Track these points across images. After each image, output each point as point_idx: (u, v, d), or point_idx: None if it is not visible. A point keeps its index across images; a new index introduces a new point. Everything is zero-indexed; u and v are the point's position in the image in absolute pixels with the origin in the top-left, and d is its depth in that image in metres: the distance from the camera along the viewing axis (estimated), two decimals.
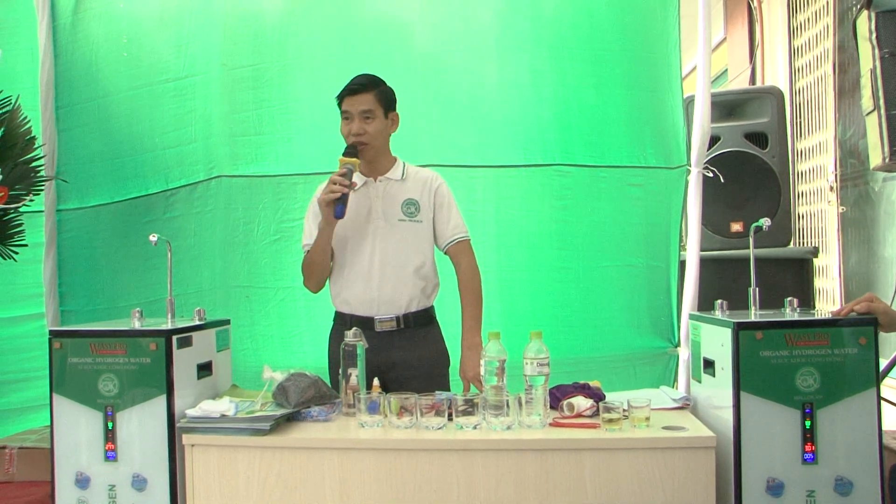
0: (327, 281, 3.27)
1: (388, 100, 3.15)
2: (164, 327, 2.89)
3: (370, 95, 3.07)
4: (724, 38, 8.24)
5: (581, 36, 4.00)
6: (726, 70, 8.37)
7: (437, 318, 3.31)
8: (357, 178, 3.07)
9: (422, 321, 3.16)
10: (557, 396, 2.91)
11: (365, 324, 3.09)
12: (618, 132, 4.00)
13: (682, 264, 3.87)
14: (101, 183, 4.26)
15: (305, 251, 3.18)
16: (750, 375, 2.54)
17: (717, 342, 2.70)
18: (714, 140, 4.23)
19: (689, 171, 3.85)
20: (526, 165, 4.04)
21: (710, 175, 3.83)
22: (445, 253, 3.25)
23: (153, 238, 3.12)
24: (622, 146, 3.98)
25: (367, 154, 3.10)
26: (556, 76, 4.03)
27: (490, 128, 4.05)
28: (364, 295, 3.11)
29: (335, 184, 2.94)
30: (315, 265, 3.14)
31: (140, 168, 4.22)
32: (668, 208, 3.95)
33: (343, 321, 3.15)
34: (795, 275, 4.22)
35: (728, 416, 2.58)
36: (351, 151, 3.05)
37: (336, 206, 2.96)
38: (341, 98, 3.11)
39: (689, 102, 4.01)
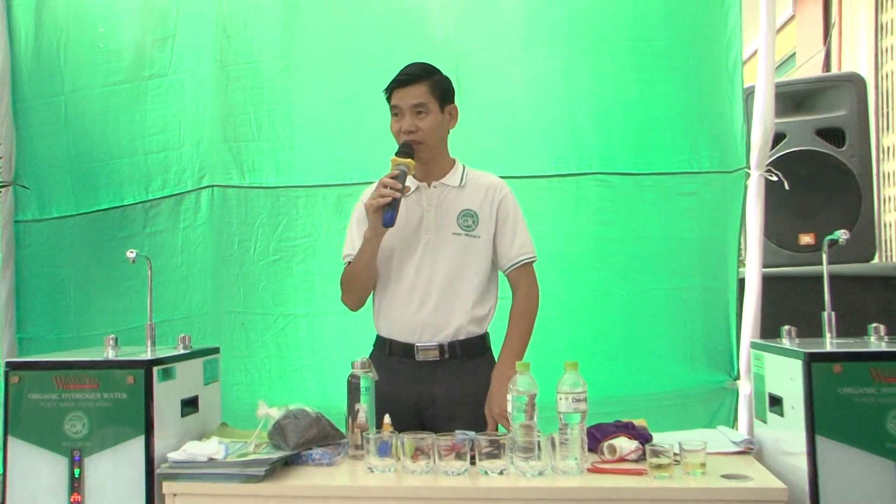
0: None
1: (444, 91, 3.09)
2: (142, 357, 2.81)
3: (422, 87, 3.02)
4: (793, 16, 7.90)
5: (621, 24, 3.96)
6: (794, 54, 8.05)
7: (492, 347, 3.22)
8: (409, 182, 3.02)
9: (472, 351, 3.08)
10: (597, 437, 2.81)
11: (406, 351, 3.04)
12: (665, 133, 3.96)
13: (742, 284, 3.79)
14: (68, 191, 4.24)
15: (347, 262, 3.13)
16: (827, 416, 2.42)
17: (786, 376, 2.60)
18: (779, 138, 4.17)
19: (748, 175, 3.78)
20: (559, 175, 4.02)
21: (774, 179, 3.75)
22: (506, 275, 3.19)
23: (131, 255, 3.08)
24: (670, 149, 3.93)
25: (422, 154, 3.04)
26: (593, 72, 3.99)
27: (517, 133, 4.02)
28: (406, 317, 3.05)
29: (385, 187, 2.87)
30: (357, 279, 3.08)
31: (115, 175, 4.20)
32: (725, 219, 3.88)
33: (383, 347, 3.09)
34: (880, 296, 4.01)
35: (801, 463, 2.47)
36: (405, 151, 2.99)
37: (385, 213, 2.89)
38: (390, 91, 3.06)
39: (748, 94, 3.92)
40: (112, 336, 2.99)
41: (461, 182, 3.12)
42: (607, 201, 4.01)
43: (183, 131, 4.16)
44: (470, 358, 3.05)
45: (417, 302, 3.03)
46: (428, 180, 3.10)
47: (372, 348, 3.17)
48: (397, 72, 3.07)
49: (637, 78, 3.97)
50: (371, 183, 3.12)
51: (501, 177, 3.92)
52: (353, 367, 2.86)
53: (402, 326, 3.05)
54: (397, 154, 2.98)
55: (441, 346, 3.02)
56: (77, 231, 4.20)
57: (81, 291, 4.18)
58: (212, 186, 4.14)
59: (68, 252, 4.21)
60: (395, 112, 3.02)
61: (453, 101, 3.11)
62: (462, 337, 3.04)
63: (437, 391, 3.02)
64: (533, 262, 3.14)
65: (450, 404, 3.01)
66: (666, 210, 3.97)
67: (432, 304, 3.02)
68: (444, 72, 3.95)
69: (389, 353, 2.96)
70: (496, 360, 3.09)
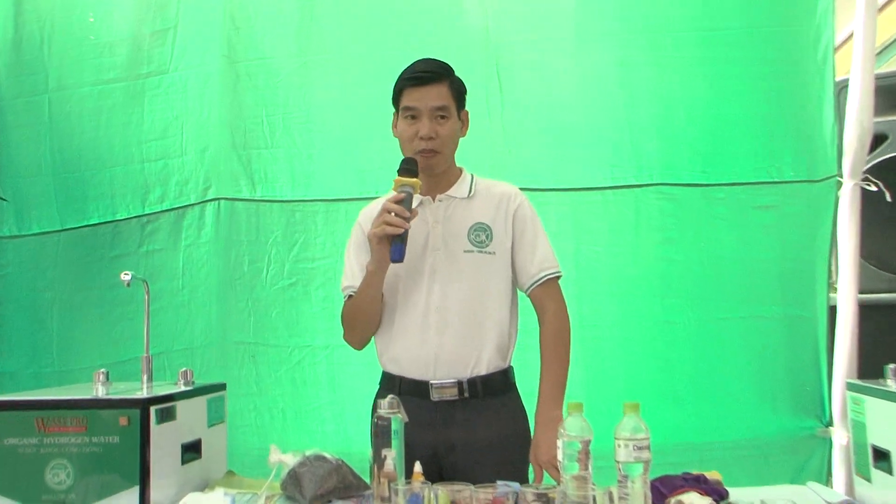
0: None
1: (460, 94, 3.02)
2: (138, 395, 2.75)
3: (444, 87, 2.93)
4: None
5: (688, 11, 3.96)
6: None
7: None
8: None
9: (495, 388, 2.98)
10: (662, 492, 2.71)
11: (419, 390, 2.94)
12: (740, 137, 3.94)
13: (834, 313, 3.73)
14: (52, 203, 4.25)
15: (347, 296, 3.05)
16: None
17: (893, 424, 2.51)
18: (879, 140, 4.08)
19: (840, 185, 3.74)
20: (615, 187, 4.02)
21: (873, 189, 3.69)
22: (528, 295, 3.09)
23: (125, 277, 3.03)
24: (746, 156, 3.91)
25: (437, 166, 2.97)
26: (655, 68, 4.00)
27: (566, 138, 4.02)
28: (418, 352, 2.95)
29: (389, 213, 2.78)
30: (362, 316, 3.00)
31: (106, 185, 4.20)
32: (811, 237, 3.85)
33: (391, 385, 2.97)
34: None
35: None
36: (409, 168, 2.88)
37: (393, 245, 2.80)
38: (401, 89, 2.97)
39: (841, 89, 3.87)
40: (102, 370, 2.94)
41: (470, 192, 3.04)
42: (671, 217, 3.99)
43: (185, 136, 4.16)
44: (493, 396, 2.96)
45: (431, 333, 2.94)
46: (432, 193, 3.01)
47: (378, 387, 3.11)
48: (412, 65, 3.00)
49: (706, 73, 3.97)
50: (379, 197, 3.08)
51: (548, 189, 4.03)
52: (378, 407, 2.75)
53: (415, 362, 2.95)
54: (401, 172, 2.86)
55: (460, 384, 2.93)
56: (62, 249, 4.19)
57: (66, 319, 4.17)
58: (218, 199, 4.15)
59: (51, 273, 4.21)
60: (411, 114, 2.92)
61: (465, 105, 3.04)
62: (484, 372, 2.94)
63: (456, 435, 2.93)
64: (558, 277, 3.05)
65: (472, 450, 2.92)
66: (741, 227, 3.95)
67: (448, 335, 2.93)
68: (483, 67, 4.06)
69: (399, 393, 2.80)
70: (520, 396, 3.05)
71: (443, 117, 2.91)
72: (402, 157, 2.86)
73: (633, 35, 4.00)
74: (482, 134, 3.86)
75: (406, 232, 2.78)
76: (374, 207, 2.98)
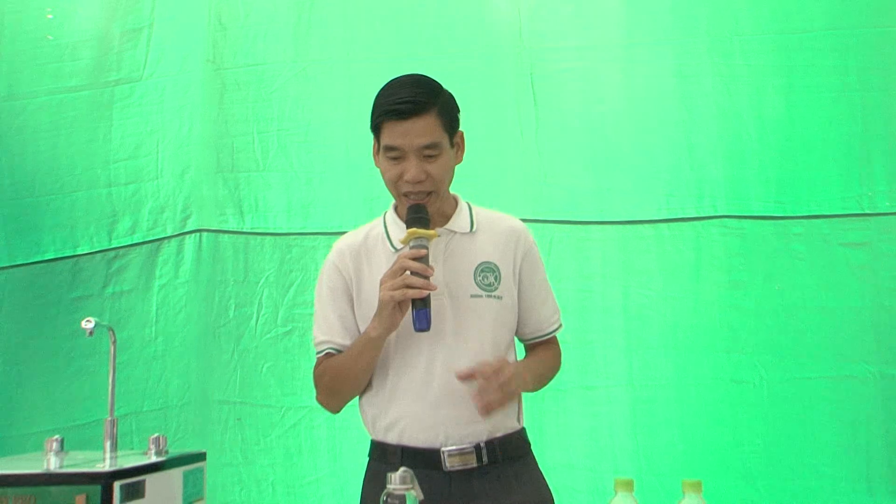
0: None
1: (452, 119, 2.85)
2: (99, 467, 2.59)
3: (432, 118, 2.74)
4: None
5: (760, 13, 3.93)
6: None
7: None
8: (401, 232, 2.79)
9: (514, 452, 2.86)
10: None
11: (428, 459, 2.78)
12: (822, 161, 3.90)
13: None
14: None
15: (322, 353, 2.90)
16: None
17: None
18: None
19: None
20: (671, 220, 3.98)
21: None
22: (526, 347, 3.02)
23: (88, 325, 2.82)
24: (831, 183, 3.84)
25: (431, 206, 2.82)
26: (719, 77, 3.96)
27: (612, 162, 3.98)
28: (424, 415, 2.81)
29: (403, 271, 2.63)
30: (349, 382, 2.87)
31: (65, 214, 4.12)
32: None
33: (384, 456, 2.86)
34: None
35: None
36: (420, 217, 2.73)
37: (417, 312, 2.65)
38: (380, 123, 2.79)
39: None
40: (56, 438, 2.75)
41: (472, 226, 2.91)
42: (739, 256, 3.93)
43: (161, 156, 4.10)
44: (512, 461, 2.86)
45: (438, 392, 2.80)
46: (430, 225, 2.86)
47: (367, 459, 2.99)
48: (390, 87, 2.81)
49: (782, 84, 3.93)
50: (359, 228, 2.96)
51: (591, 222, 3.96)
52: (388, 483, 2.53)
53: (421, 428, 2.81)
54: (411, 222, 2.71)
55: (477, 448, 2.80)
56: (10, 289, 4.10)
57: (13, 373, 4.05)
58: (200, 231, 4.10)
59: None
60: (394, 155, 2.76)
61: (459, 126, 2.88)
62: (500, 434, 2.84)
63: None
64: (560, 330, 3.01)
65: None
66: (825, 267, 3.88)
67: (459, 394, 2.77)
68: (515, 78, 3.98)
69: (397, 465, 2.62)
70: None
71: (430, 156, 2.74)
72: (409, 205, 2.71)
73: (694, 40, 3.96)
74: (513, 157, 3.87)
75: (430, 295, 2.65)
76: (350, 242, 2.86)
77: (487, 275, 2.85)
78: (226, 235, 4.08)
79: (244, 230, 4.08)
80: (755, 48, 3.89)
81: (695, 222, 3.92)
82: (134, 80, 4.10)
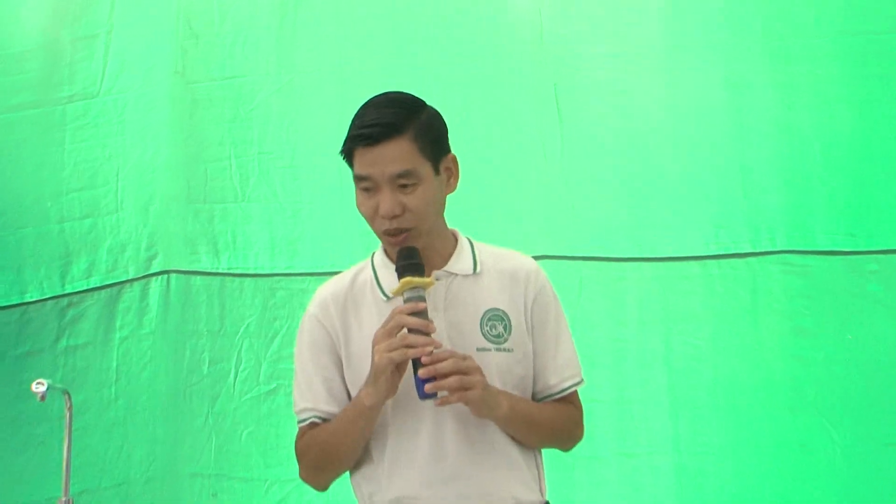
0: None
1: (435, 139, 2.66)
2: None
3: (405, 142, 2.58)
4: None
5: (825, 11, 3.79)
6: None
7: None
8: (393, 275, 2.67)
9: None
10: None
11: None
12: None
13: None
14: None
15: (305, 423, 2.74)
16: None
17: None
18: None
19: None
20: (722, 256, 3.88)
21: None
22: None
23: (39, 388, 2.84)
24: None
25: (417, 242, 2.65)
26: (778, 89, 3.89)
27: (653, 189, 3.94)
28: (432, 492, 2.64)
29: (400, 329, 2.50)
30: (339, 456, 2.72)
31: (10, 254, 4.07)
32: None
33: None
34: None
35: None
36: (412, 262, 2.59)
37: (420, 378, 2.51)
38: (349, 151, 2.62)
39: None
40: None
41: (475, 267, 2.75)
42: (804, 297, 3.84)
43: (122, 185, 4.01)
44: None
45: (447, 463, 2.65)
46: (426, 270, 2.71)
47: None
48: (362, 109, 2.63)
49: (853, 96, 3.87)
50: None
51: (626, 259, 3.86)
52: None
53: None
54: (403, 269, 2.56)
55: None
56: None
57: None
58: (168, 273, 4.02)
59: None
60: (364, 186, 2.61)
61: (449, 148, 2.70)
62: None
63: None
64: (580, 386, 2.84)
65: None
66: None
67: (469, 466, 2.67)
68: (535, 90, 3.84)
69: None
70: None
71: (405, 186, 2.59)
72: (399, 249, 2.58)
73: (746, 44, 3.85)
74: (533, 182, 3.76)
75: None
76: (335, 291, 2.70)
77: (496, 324, 2.68)
78: (198, 277, 3.98)
79: (220, 271, 3.98)
80: (821, 53, 3.77)
81: (750, 259, 3.81)
82: (89, 95, 4.02)
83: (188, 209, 3.95)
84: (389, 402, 2.64)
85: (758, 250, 3.80)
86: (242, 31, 3.96)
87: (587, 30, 3.88)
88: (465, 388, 2.47)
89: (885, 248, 3.76)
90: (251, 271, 3.93)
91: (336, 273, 3.55)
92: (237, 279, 3.92)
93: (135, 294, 3.96)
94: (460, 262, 2.71)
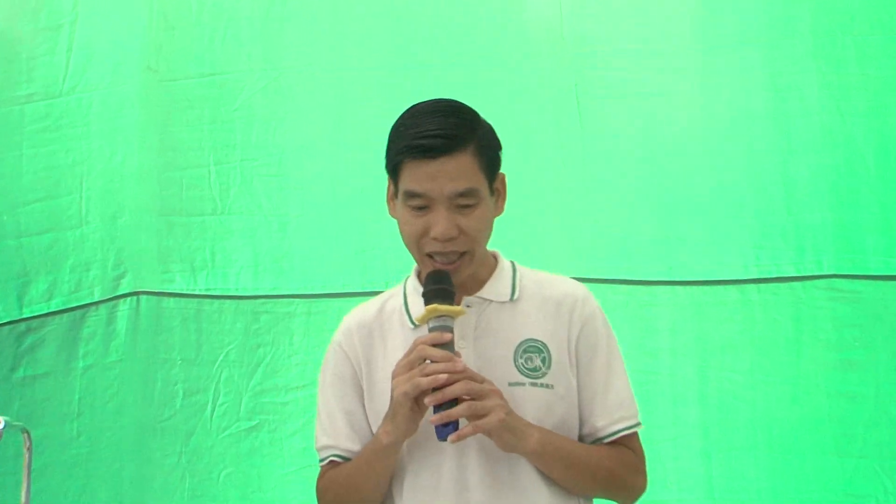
0: None
1: (493, 156, 2.63)
2: None
3: (468, 157, 2.52)
4: None
5: (882, 6, 3.80)
6: None
7: None
8: (416, 298, 2.65)
9: None
10: None
11: None
12: None
13: None
14: None
15: (326, 462, 2.72)
16: None
17: None
18: None
19: None
20: (762, 280, 3.85)
21: None
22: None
23: None
24: None
25: (463, 271, 2.61)
26: (826, 92, 3.88)
27: (684, 205, 3.89)
28: None
29: (422, 361, 2.42)
30: (355, 497, 2.69)
31: None
32: None
33: None
34: None
35: None
36: (443, 288, 2.55)
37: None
38: (399, 163, 2.54)
39: None
40: None
41: (514, 293, 2.69)
42: (853, 327, 3.79)
43: (87, 195, 3.96)
44: None
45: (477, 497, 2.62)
46: (457, 296, 2.65)
47: None
48: (413, 116, 2.58)
49: None
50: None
51: (653, 282, 3.83)
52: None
53: None
54: (431, 294, 2.51)
55: None
56: None
57: None
58: (137, 294, 3.99)
59: None
60: (418, 204, 2.54)
61: (500, 166, 2.68)
62: None
63: None
64: (638, 431, 2.73)
65: None
66: None
67: None
68: (555, 91, 3.80)
69: None
70: None
71: (466, 206, 2.52)
72: (428, 273, 2.53)
73: (791, 42, 3.80)
74: (551, 195, 3.71)
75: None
76: (361, 318, 2.68)
77: (532, 356, 2.62)
78: (171, 299, 3.92)
79: (196, 292, 3.92)
80: (874, 52, 3.73)
81: (794, 283, 3.76)
82: (51, 95, 3.95)
83: (161, 222, 3.88)
84: (408, 445, 2.61)
85: (802, 274, 3.78)
86: (224, 23, 3.90)
87: (611, 27, 3.87)
88: (478, 415, 2.38)
89: None
90: (232, 293, 3.87)
91: (329, 295, 3.71)
92: (216, 301, 3.87)
93: (100, 318, 3.89)
94: (496, 287, 2.67)
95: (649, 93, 3.79)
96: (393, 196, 2.62)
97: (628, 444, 2.67)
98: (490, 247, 2.73)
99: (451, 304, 2.50)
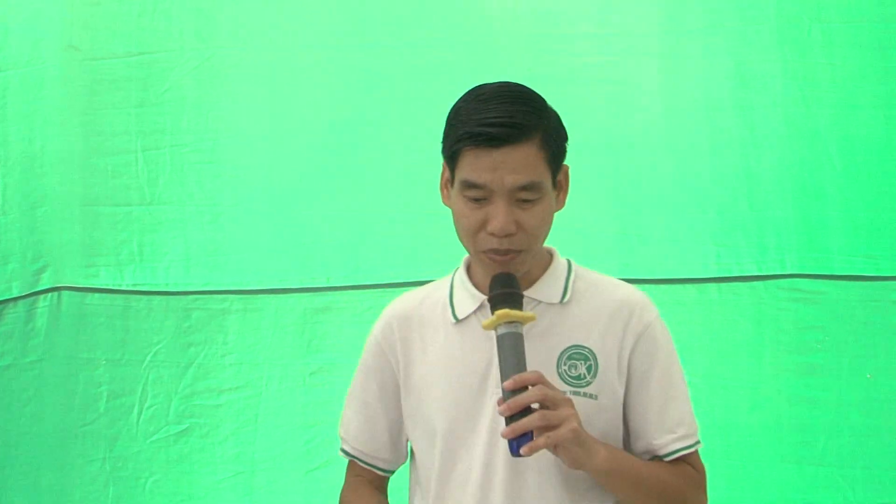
0: None
1: (559, 147, 2.51)
2: None
3: (533, 147, 2.42)
4: None
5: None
6: None
7: None
8: (469, 297, 2.60)
9: None
10: None
11: None
12: None
13: None
14: None
15: (341, 452, 2.77)
16: None
17: None
18: None
19: None
20: (722, 279, 3.80)
21: None
22: None
23: None
24: None
25: (520, 268, 2.51)
26: (792, 82, 3.76)
27: (643, 198, 3.83)
28: None
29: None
30: None
31: None
32: None
33: None
34: None
35: None
36: (511, 292, 2.43)
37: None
38: (458, 150, 2.44)
39: None
40: None
41: (565, 295, 2.58)
42: (816, 329, 3.75)
43: (3, 183, 3.89)
44: None
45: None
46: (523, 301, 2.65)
47: None
48: (478, 100, 2.44)
49: (879, 93, 3.70)
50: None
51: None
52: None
53: None
54: (497, 299, 2.38)
55: None
56: None
57: None
58: (58, 289, 3.87)
59: None
60: (476, 195, 2.44)
61: (565, 158, 2.58)
62: None
63: None
64: (697, 449, 2.64)
65: None
66: None
67: None
68: (509, 76, 3.75)
69: None
70: None
71: (527, 201, 2.39)
72: (495, 276, 2.42)
73: (758, 27, 3.68)
74: None
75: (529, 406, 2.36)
76: (402, 309, 2.65)
77: (577, 363, 2.56)
78: (96, 295, 3.78)
79: (123, 288, 3.79)
80: (843, 41, 3.65)
81: (755, 283, 3.72)
82: None
83: (85, 213, 3.75)
84: (439, 450, 2.58)
85: (764, 273, 3.75)
86: None
87: (568, 6, 3.68)
88: (551, 426, 2.26)
89: None
90: (161, 288, 3.76)
91: (272, 291, 3.63)
92: (144, 297, 3.74)
93: (18, 315, 3.75)
94: (548, 287, 2.58)
95: (607, 78, 3.70)
96: (448, 183, 2.54)
97: (689, 461, 2.60)
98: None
99: (521, 308, 2.40)
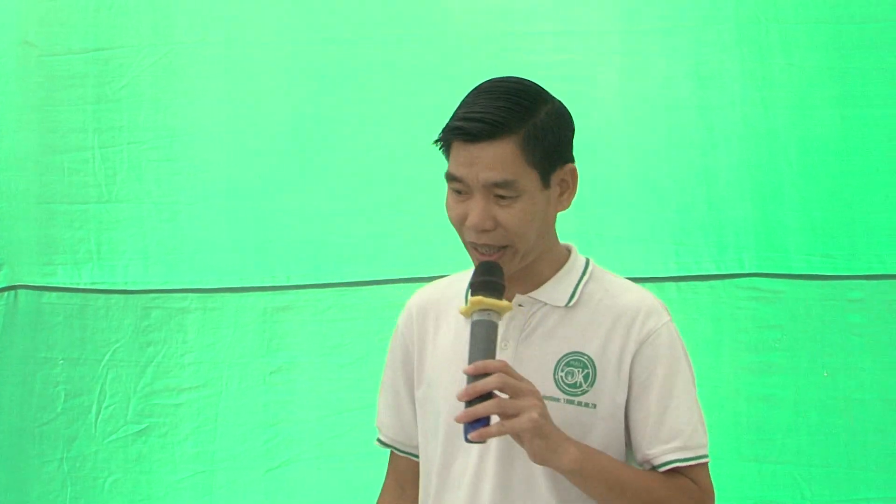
0: None
1: (551, 146, 2.44)
2: None
3: (509, 145, 2.38)
4: None
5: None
6: None
7: None
8: (447, 282, 2.66)
9: None
10: None
11: None
12: (890, 201, 3.73)
13: None
14: None
15: (378, 442, 2.82)
16: None
17: None
18: None
19: None
20: (680, 278, 3.80)
21: None
22: None
23: None
24: None
25: (510, 265, 2.45)
26: (750, 83, 3.75)
27: (604, 196, 3.78)
28: None
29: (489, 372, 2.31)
30: None
31: None
32: None
33: None
34: None
35: None
36: (492, 280, 2.40)
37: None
38: (447, 141, 2.44)
39: None
40: None
41: (570, 299, 2.51)
42: (774, 328, 3.75)
43: None
44: None
45: None
46: (510, 291, 2.50)
47: None
48: (471, 93, 2.42)
49: (836, 94, 3.70)
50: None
51: None
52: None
53: None
54: (477, 285, 2.34)
55: None
56: None
57: None
58: (14, 288, 3.83)
59: None
60: (457, 188, 2.41)
61: (569, 157, 2.48)
62: None
63: None
64: (706, 462, 2.54)
65: None
66: (891, 346, 3.70)
67: None
68: (474, 75, 3.67)
69: None
70: None
71: (505, 197, 2.36)
72: (479, 262, 2.40)
73: (717, 28, 3.69)
74: None
75: (490, 394, 2.30)
76: (424, 299, 2.64)
77: (573, 371, 2.49)
78: (53, 294, 3.75)
79: (80, 286, 3.75)
80: (801, 42, 3.64)
81: (713, 282, 3.72)
82: None
83: (41, 211, 3.71)
84: (437, 453, 2.55)
85: (722, 272, 3.73)
86: None
87: (529, 4, 3.69)
88: (508, 414, 2.21)
89: (869, 272, 3.73)
90: (119, 286, 3.71)
91: (232, 290, 3.60)
92: (102, 296, 3.70)
93: None
94: (555, 289, 2.51)
95: (566, 75, 3.64)
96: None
97: (691, 476, 2.46)
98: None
99: (500, 298, 2.34)
